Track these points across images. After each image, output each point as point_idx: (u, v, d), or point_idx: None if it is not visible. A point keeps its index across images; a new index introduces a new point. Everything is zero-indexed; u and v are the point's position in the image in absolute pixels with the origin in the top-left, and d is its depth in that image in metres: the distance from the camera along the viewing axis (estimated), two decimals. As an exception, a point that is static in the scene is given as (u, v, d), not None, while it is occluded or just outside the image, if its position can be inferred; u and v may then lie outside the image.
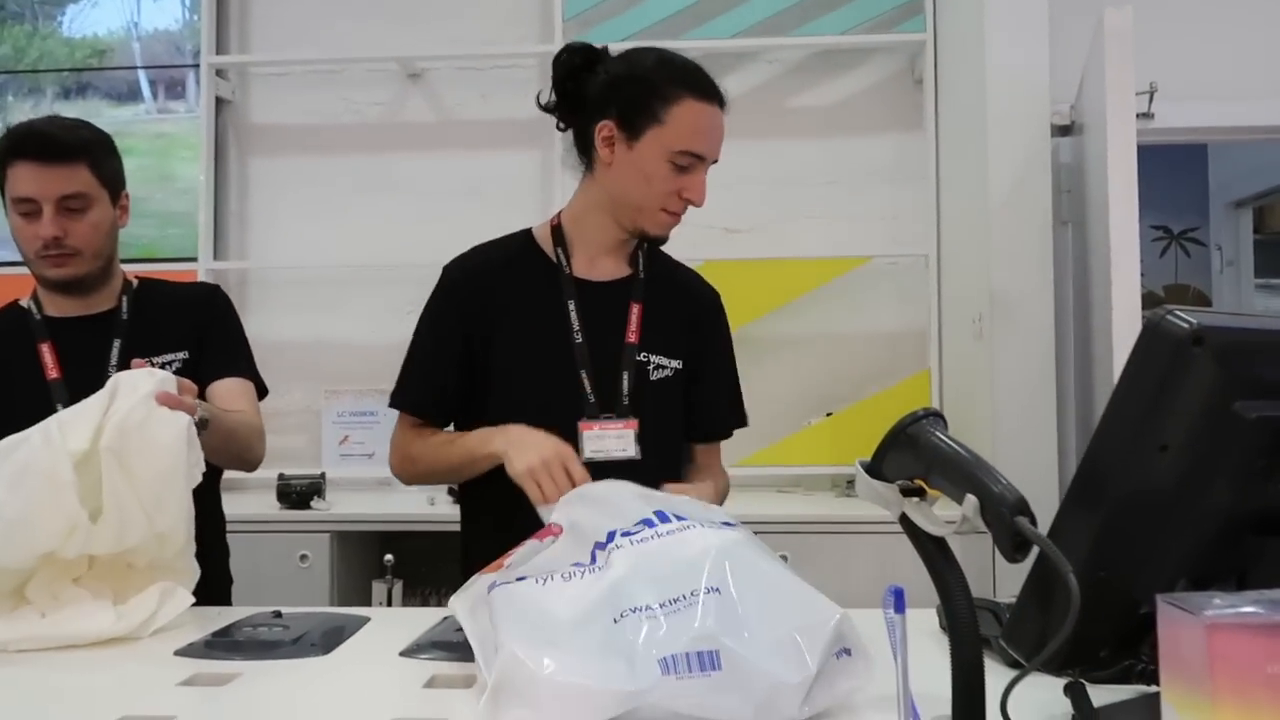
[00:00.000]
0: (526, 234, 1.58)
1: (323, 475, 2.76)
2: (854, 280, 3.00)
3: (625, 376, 1.47)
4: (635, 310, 1.50)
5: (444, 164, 3.24)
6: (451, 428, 1.56)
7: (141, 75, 3.34)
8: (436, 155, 3.26)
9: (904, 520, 0.84)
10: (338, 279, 3.22)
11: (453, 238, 3.55)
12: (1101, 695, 0.84)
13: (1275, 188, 4.69)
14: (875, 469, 0.86)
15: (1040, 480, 2.44)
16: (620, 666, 0.81)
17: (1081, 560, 0.72)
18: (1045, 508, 0.76)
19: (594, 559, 0.96)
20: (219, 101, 3.27)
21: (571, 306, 1.48)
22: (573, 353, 1.47)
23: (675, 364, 1.52)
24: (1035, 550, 0.76)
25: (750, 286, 2.95)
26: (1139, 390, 0.73)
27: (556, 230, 1.54)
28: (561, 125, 1.53)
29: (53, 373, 1.55)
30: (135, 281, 1.68)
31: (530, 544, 1.06)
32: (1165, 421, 0.74)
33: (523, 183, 3.20)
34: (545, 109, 1.53)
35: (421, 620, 1.24)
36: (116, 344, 1.57)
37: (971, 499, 0.77)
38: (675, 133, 1.40)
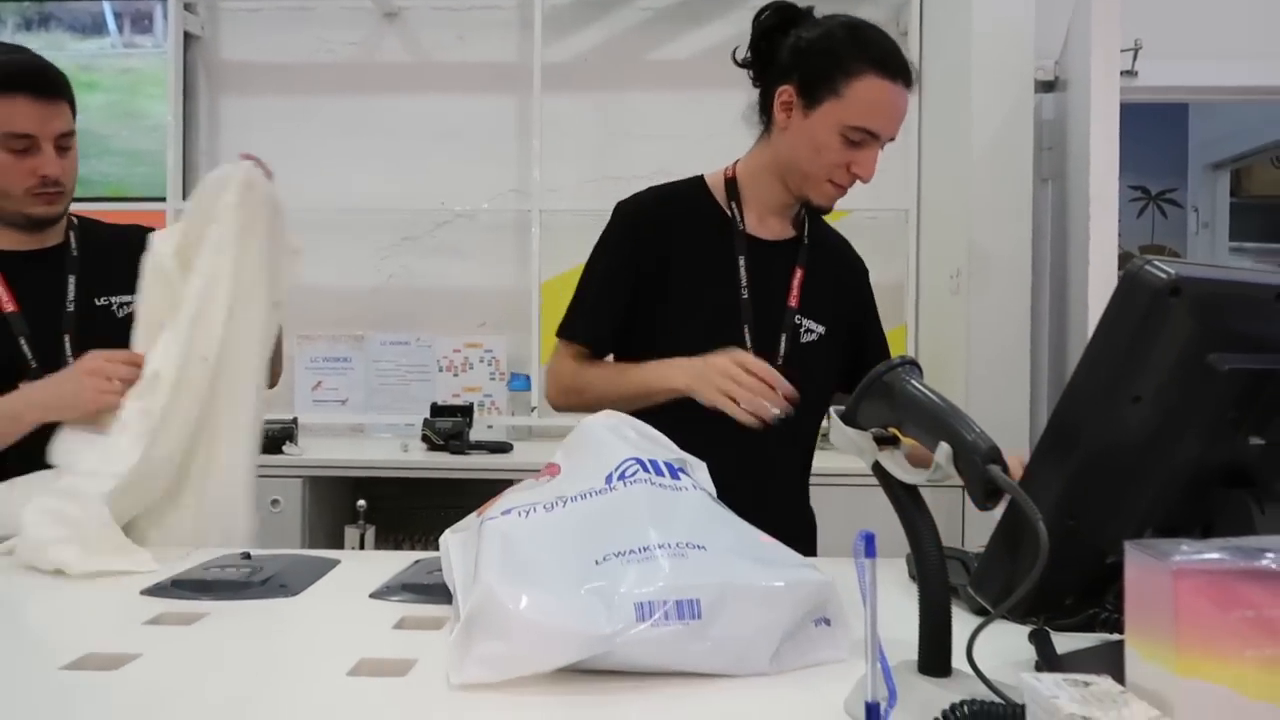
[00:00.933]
0: (700, 181, 1.58)
1: (294, 420, 2.74)
2: (833, 233, 2.99)
3: (784, 338, 1.49)
4: (798, 274, 1.53)
5: (419, 106, 3.18)
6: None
7: (106, 7, 3.24)
8: (412, 97, 3.20)
9: (877, 468, 0.84)
10: (311, 222, 3.17)
11: (428, 182, 3.52)
12: (1065, 643, 0.85)
13: (1254, 150, 4.70)
14: (850, 417, 0.86)
15: (1011, 435, 2.46)
16: (596, 609, 0.81)
17: (1051, 509, 0.73)
18: (1017, 463, 0.76)
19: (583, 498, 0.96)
20: (187, 37, 3.18)
21: (741, 262, 1.49)
22: (739, 306, 1.48)
23: (821, 329, 1.54)
24: (1005, 500, 0.76)
25: (729, 238, 2.93)
26: (1114, 340, 0.73)
27: (730, 183, 1.55)
28: (756, 82, 1.53)
29: (9, 306, 1.53)
30: (76, 219, 1.66)
31: (526, 482, 1.06)
32: (1139, 372, 0.74)
33: (500, 127, 3.15)
34: (740, 64, 1.54)
35: (391, 563, 1.23)
36: (71, 280, 1.57)
37: (945, 447, 0.77)
38: (851, 107, 1.39)
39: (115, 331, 1.51)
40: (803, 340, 1.52)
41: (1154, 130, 4.85)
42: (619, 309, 1.50)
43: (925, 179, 2.97)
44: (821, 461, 2.59)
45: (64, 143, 1.52)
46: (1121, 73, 2.32)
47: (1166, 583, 0.54)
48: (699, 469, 1.07)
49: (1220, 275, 0.77)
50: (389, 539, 2.73)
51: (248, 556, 1.24)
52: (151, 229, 1.66)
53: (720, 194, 1.55)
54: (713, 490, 1.05)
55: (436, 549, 1.38)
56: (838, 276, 1.60)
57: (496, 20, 3.12)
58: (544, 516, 0.94)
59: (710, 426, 1.29)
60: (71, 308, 1.56)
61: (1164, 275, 0.71)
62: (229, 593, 1.10)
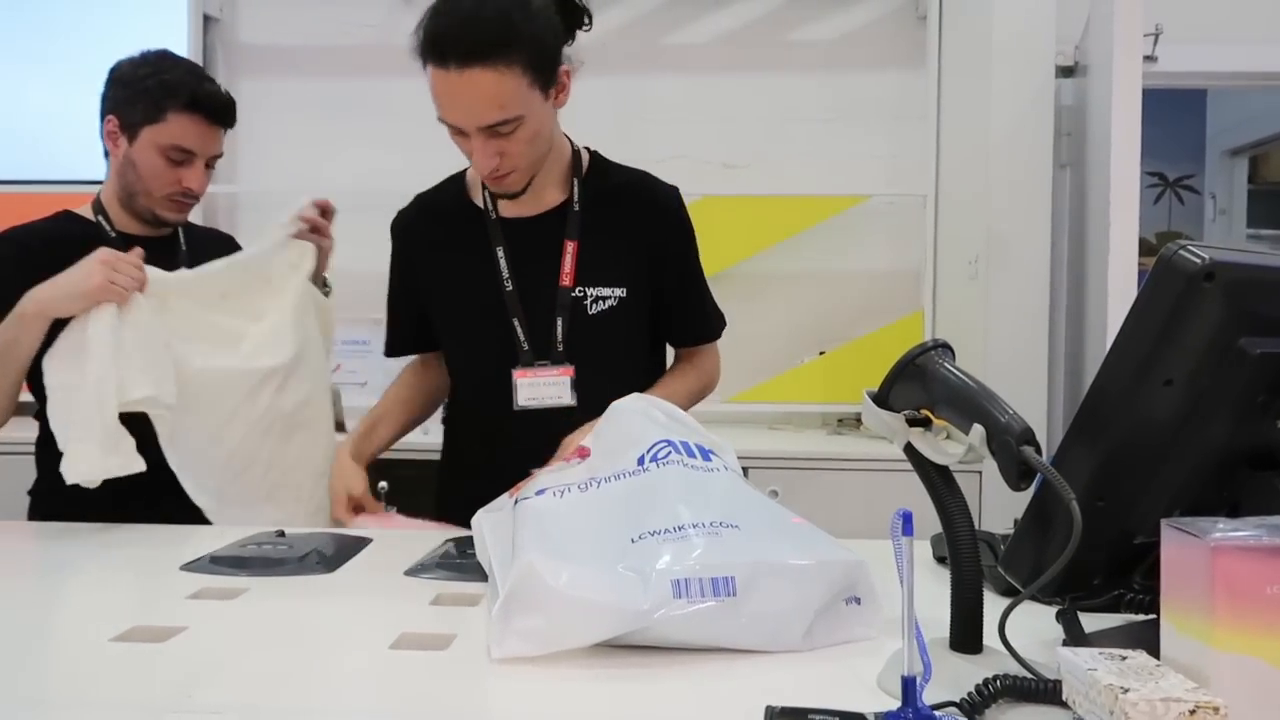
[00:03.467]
0: (459, 177, 1.56)
1: (315, 402, 2.76)
2: (851, 219, 2.99)
3: (559, 322, 1.43)
4: (570, 249, 1.43)
5: (438, 90, 3.19)
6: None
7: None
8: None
9: (909, 449, 0.85)
10: (330, 205, 3.18)
11: (445, 164, 3.51)
12: (1092, 622, 0.87)
13: (1272, 136, 4.67)
14: (882, 398, 0.87)
15: (1029, 421, 2.47)
16: (634, 585, 0.82)
17: (1081, 489, 0.74)
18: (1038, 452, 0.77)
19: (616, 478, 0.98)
20: (206, 19, 3.19)
21: (500, 254, 1.45)
22: (504, 301, 1.45)
23: (619, 292, 1.44)
24: (1036, 480, 0.78)
25: (746, 223, 2.94)
26: (1147, 323, 0.74)
27: None
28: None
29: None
30: None
31: (556, 465, 1.08)
32: (1171, 355, 0.75)
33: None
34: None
35: (423, 542, 1.25)
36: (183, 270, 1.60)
37: (978, 429, 0.78)
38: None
39: None
40: (591, 312, 1.43)
41: (1172, 116, 4.82)
42: (410, 324, 1.59)
43: (944, 164, 2.97)
44: (838, 447, 2.62)
45: (214, 163, 1.62)
46: (1142, 57, 2.31)
47: (1204, 559, 0.55)
48: (727, 452, 1.09)
49: (1254, 260, 0.78)
50: (409, 520, 2.76)
51: (282, 534, 1.27)
52: (231, 239, 1.81)
53: (475, 184, 1.50)
54: (739, 471, 1.07)
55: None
56: (629, 227, 1.45)
57: (514, 4, 3.12)
58: (578, 496, 0.96)
59: (517, 423, 1.36)
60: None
61: (1199, 260, 0.72)
62: (267, 569, 1.12)
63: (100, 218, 1.61)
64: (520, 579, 0.83)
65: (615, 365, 1.45)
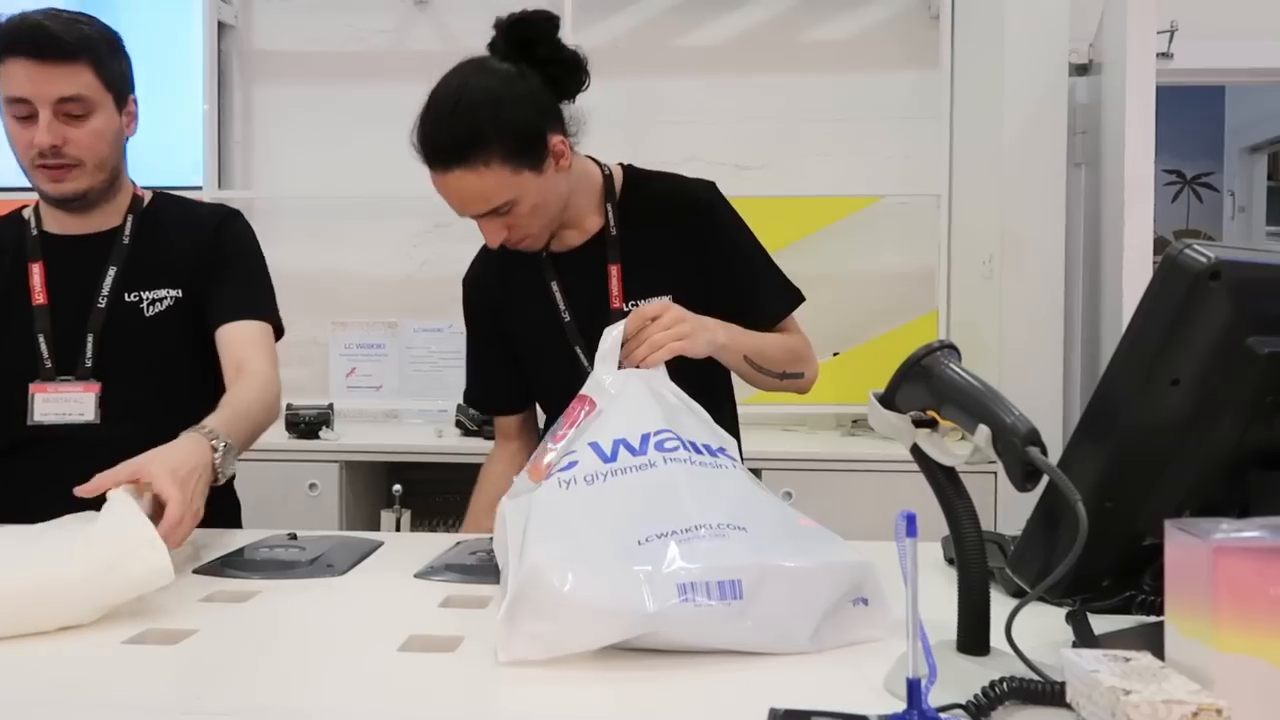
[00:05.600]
0: None
1: (331, 406, 2.78)
2: (864, 219, 2.98)
3: None
4: (614, 272, 1.46)
5: (451, 95, 3.20)
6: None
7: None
8: (444, 85, 3.22)
9: (915, 451, 0.85)
10: (344, 209, 3.20)
11: (460, 170, 3.48)
12: (1102, 624, 0.86)
13: (1292, 132, 4.63)
14: (888, 400, 0.87)
15: (1045, 422, 2.44)
16: (640, 588, 0.82)
17: (1089, 490, 0.74)
18: (1050, 451, 0.77)
19: (614, 455, 0.97)
20: (221, 26, 3.22)
21: (555, 287, 1.48)
22: (564, 330, 1.48)
23: (668, 299, 1.43)
24: (1044, 481, 0.77)
25: (760, 224, 2.90)
26: (1154, 323, 0.74)
27: None
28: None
29: (39, 297, 1.44)
30: (147, 198, 1.55)
31: (559, 424, 1.08)
32: (1179, 355, 0.74)
33: (531, 115, 3.16)
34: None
35: (433, 545, 1.26)
36: (111, 272, 1.46)
37: (984, 429, 0.78)
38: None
39: (138, 332, 1.44)
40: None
41: (1189, 113, 4.78)
42: (498, 371, 1.57)
43: (957, 164, 2.96)
44: (852, 448, 2.61)
45: (71, 109, 1.36)
46: (1157, 55, 2.30)
47: (1207, 560, 0.55)
48: (732, 446, 1.08)
49: (1260, 259, 0.77)
50: (424, 523, 2.77)
51: (294, 537, 1.28)
52: (236, 212, 1.59)
53: None
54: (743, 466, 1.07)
55: (470, 532, 1.41)
56: (666, 234, 1.47)
57: (528, 6, 3.12)
58: (585, 490, 0.95)
59: None
60: (102, 304, 1.44)
61: (1204, 259, 0.71)
62: (278, 572, 1.13)
63: (32, 214, 1.49)
64: (525, 583, 0.84)
65: (681, 365, 1.44)
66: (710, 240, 1.50)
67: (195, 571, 1.14)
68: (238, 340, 1.46)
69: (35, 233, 1.48)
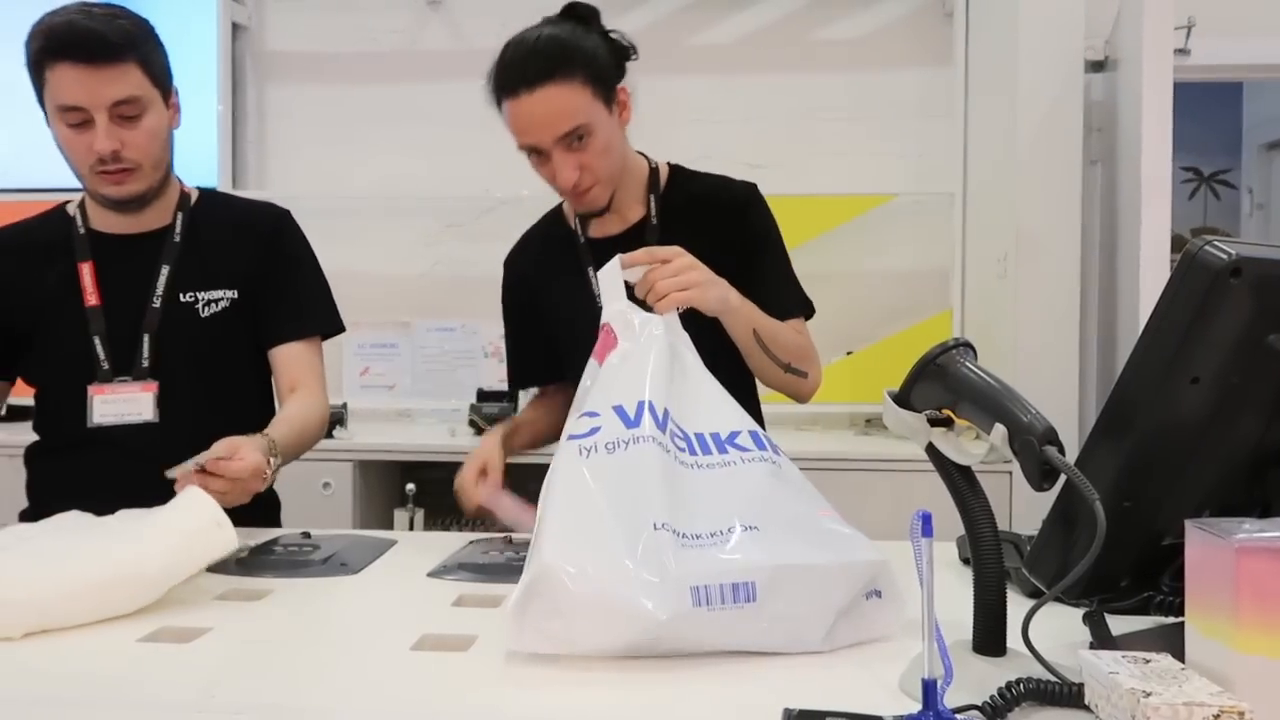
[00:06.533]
0: (557, 209, 1.61)
1: (344, 405, 2.79)
2: (877, 218, 2.97)
3: None
4: None
5: (463, 93, 3.17)
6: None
7: None
8: (455, 84, 3.21)
9: (931, 450, 0.84)
10: (356, 209, 3.21)
11: (472, 169, 3.55)
12: (1119, 625, 0.85)
13: (1311, 129, 4.58)
14: (904, 398, 0.86)
15: (1060, 422, 2.41)
16: (654, 591, 0.82)
17: (1107, 490, 0.73)
18: (1065, 452, 0.76)
19: (637, 419, 0.95)
20: (235, 27, 3.23)
21: (591, 273, 1.49)
22: (598, 317, 1.46)
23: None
24: (1060, 481, 0.77)
25: (772, 223, 2.92)
26: (1173, 320, 0.73)
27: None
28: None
29: (91, 299, 1.42)
30: (194, 195, 1.52)
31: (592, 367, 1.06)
32: (1198, 353, 0.73)
33: (543, 115, 3.16)
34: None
35: (447, 544, 1.26)
36: (164, 271, 1.43)
37: (1000, 428, 0.77)
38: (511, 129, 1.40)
39: (195, 334, 1.43)
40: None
41: (1207, 109, 4.74)
42: (535, 353, 1.60)
43: (971, 162, 2.94)
44: (866, 447, 2.60)
45: (125, 111, 1.33)
46: (1174, 51, 2.28)
47: (1229, 560, 0.54)
48: (749, 425, 1.04)
49: (1282, 256, 0.76)
50: (437, 522, 2.78)
51: (308, 536, 1.28)
52: (286, 213, 1.57)
53: (570, 213, 1.55)
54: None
55: (483, 531, 1.40)
56: (706, 227, 1.48)
57: (539, 7, 3.11)
58: (605, 460, 0.92)
59: None
60: (157, 304, 1.43)
61: (1225, 256, 0.70)
62: (292, 570, 1.14)
63: (78, 212, 1.47)
64: (537, 579, 0.83)
65: (717, 345, 1.42)
66: (741, 238, 1.52)
67: (209, 570, 1.14)
68: (292, 361, 1.50)
69: (83, 231, 1.45)
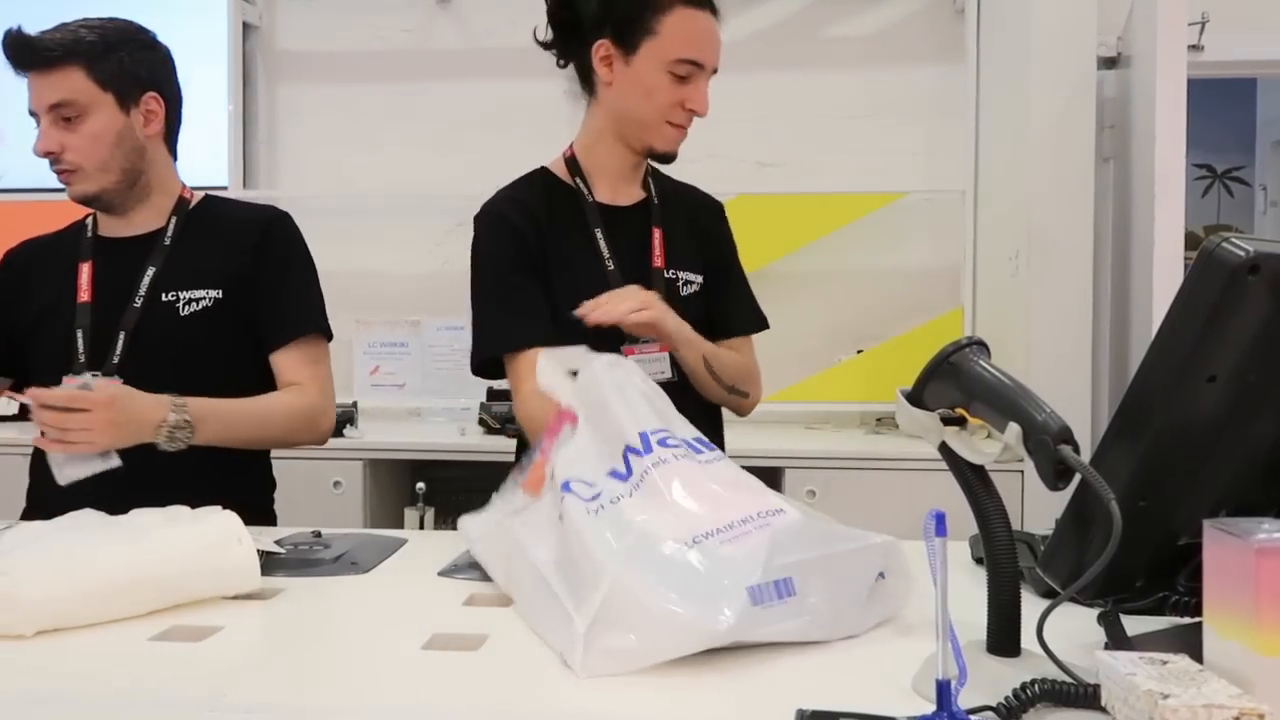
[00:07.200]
0: (543, 171, 1.59)
1: (355, 404, 2.79)
2: (889, 216, 2.96)
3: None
4: (657, 235, 1.53)
5: (473, 92, 3.21)
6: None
7: None
8: (465, 83, 3.22)
9: (944, 449, 0.83)
10: (367, 208, 3.21)
11: (482, 168, 3.54)
12: (1134, 625, 0.84)
13: (1325, 126, 4.54)
14: (916, 397, 0.86)
15: (1073, 420, 2.38)
16: (717, 598, 0.82)
17: (1122, 489, 0.72)
18: (1079, 451, 0.75)
19: (629, 468, 0.95)
20: (246, 26, 3.24)
21: (599, 234, 1.50)
22: (606, 279, 1.48)
23: (698, 279, 1.56)
24: (1075, 480, 0.76)
25: (783, 221, 2.92)
26: (1190, 318, 0.72)
27: (571, 161, 1.56)
28: (561, 61, 1.54)
29: (84, 295, 1.48)
30: (195, 199, 1.56)
31: (553, 444, 1.04)
32: (1215, 351, 0.73)
33: (553, 112, 3.13)
34: (544, 45, 1.54)
35: (457, 543, 1.25)
36: (149, 272, 1.47)
37: (1014, 427, 0.77)
38: (670, 42, 1.42)
39: (173, 332, 1.46)
40: (684, 294, 1.53)
41: (1220, 106, 4.71)
42: (539, 306, 1.45)
43: (983, 159, 2.92)
44: (877, 446, 2.59)
45: (63, 113, 1.39)
46: (1188, 47, 2.26)
47: (1249, 561, 0.54)
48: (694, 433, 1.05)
49: (1300, 253, 0.75)
50: (447, 521, 2.78)
51: (319, 535, 1.28)
52: (284, 215, 1.58)
53: (565, 175, 1.55)
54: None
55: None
56: (693, 222, 1.59)
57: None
58: (615, 511, 0.92)
59: None
60: (138, 303, 1.47)
61: (1242, 253, 0.70)
62: (303, 569, 1.14)
63: (91, 220, 1.53)
64: (611, 599, 0.82)
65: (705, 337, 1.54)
66: (716, 242, 1.62)
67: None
68: (286, 367, 1.53)
69: (90, 235, 1.53)
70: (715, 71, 1.47)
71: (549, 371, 1.09)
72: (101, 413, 1.26)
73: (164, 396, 1.34)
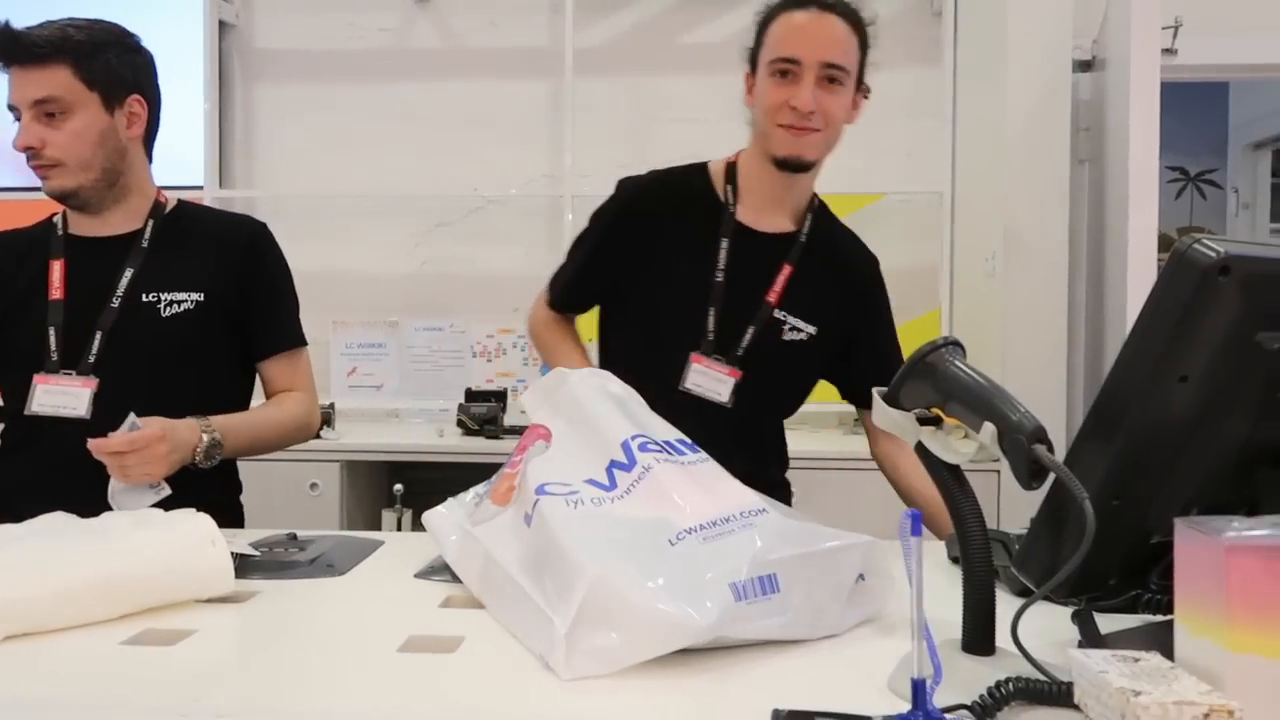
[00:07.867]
0: (702, 168, 1.59)
1: (332, 405, 2.77)
2: (866, 217, 2.97)
3: (751, 330, 1.48)
4: (785, 271, 1.50)
5: (452, 92, 3.20)
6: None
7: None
8: (444, 83, 3.21)
9: (920, 448, 0.84)
10: (344, 209, 3.20)
11: (460, 168, 3.54)
12: (1107, 623, 0.85)
13: (1296, 129, 4.61)
14: (893, 397, 0.86)
15: (1048, 420, 2.40)
16: (700, 593, 0.82)
17: (1096, 488, 0.73)
18: (1053, 451, 0.76)
19: (613, 481, 0.96)
20: (222, 25, 3.21)
21: (724, 245, 1.49)
22: (710, 287, 1.48)
23: (811, 330, 1.50)
24: (1050, 480, 0.76)
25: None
26: (1162, 319, 0.73)
27: (730, 168, 1.55)
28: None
29: (56, 293, 1.46)
30: (170, 203, 1.56)
31: (523, 455, 1.04)
32: (1187, 351, 0.73)
33: (532, 113, 3.15)
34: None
35: (434, 545, 1.25)
36: (128, 273, 1.47)
37: (989, 427, 0.77)
38: (770, 46, 1.45)
39: (153, 333, 1.45)
40: (785, 338, 1.49)
41: (1193, 109, 4.77)
42: (593, 281, 1.57)
43: (960, 161, 2.94)
44: (854, 446, 2.60)
45: (48, 109, 1.40)
46: (1161, 50, 2.28)
47: (1219, 559, 0.54)
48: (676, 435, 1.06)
49: (1270, 254, 0.76)
50: (425, 522, 2.77)
51: (294, 537, 1.27)
52: (262, 226, 1.59)
53: (719, 180, 1.54)
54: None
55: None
56: (838, 279, 1.54)
57: (528, 5, 3.11)
58: (595, 509, 0.93)
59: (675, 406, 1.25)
60: (116, 303, 1.45)
61: (1213, 254, 0.70)
62: (279, 572, 1.12)
63: (60, 218, 1.52)
64: (591, 596, 0.81)
65: (790, 386, 1.56)
66: (866, 312, 1.58)
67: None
68: (278, 374, 1.58)
69: (61, 233, 1.52)
70: (834, 68, 1.42)
71: (531, 400, 1.13)
72: (157, 446, 1.29)
73: (191, 420, 1.37)
